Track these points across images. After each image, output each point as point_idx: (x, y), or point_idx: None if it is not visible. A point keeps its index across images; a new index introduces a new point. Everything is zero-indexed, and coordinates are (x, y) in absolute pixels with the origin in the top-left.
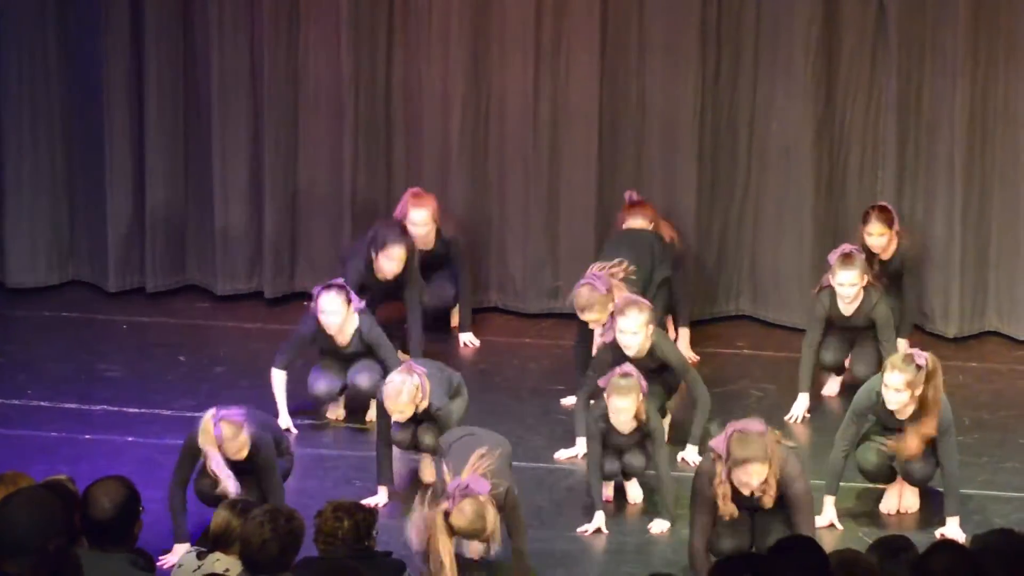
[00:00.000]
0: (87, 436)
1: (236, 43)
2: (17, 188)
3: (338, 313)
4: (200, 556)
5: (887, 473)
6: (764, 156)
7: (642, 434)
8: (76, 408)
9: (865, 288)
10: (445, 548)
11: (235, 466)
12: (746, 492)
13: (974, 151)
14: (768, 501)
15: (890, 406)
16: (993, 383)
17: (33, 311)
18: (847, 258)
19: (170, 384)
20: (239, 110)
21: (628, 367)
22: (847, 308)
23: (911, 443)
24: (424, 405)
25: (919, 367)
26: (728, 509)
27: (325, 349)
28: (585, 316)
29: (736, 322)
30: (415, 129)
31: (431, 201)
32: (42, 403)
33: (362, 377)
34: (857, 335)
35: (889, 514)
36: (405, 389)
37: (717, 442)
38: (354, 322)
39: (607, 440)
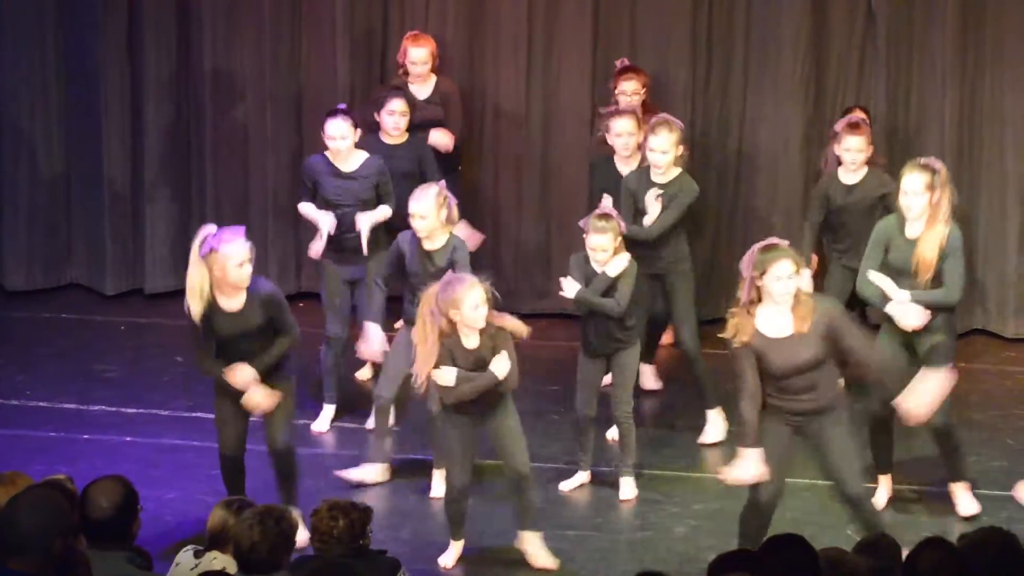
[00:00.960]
0: (85, 436)
1: (233, 46)
2: (15, 191)
3: (345, 138)
4: (197, 555)
5: (899, 374)
6: (754, 158)
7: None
8: (75, 408)
9: (869, 164)
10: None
11: (241, 327)
12: (784, 302)
13: (962, 153)
14: (804, 326)
15: (908, 213)
16: (981, 382)
17: (31, 313)
18: (855, 126)
19: (167, 385)
20: (237, 112)
21: (608, 208)
22: (850, 177)
23: (925, 249)
24: (450, 226)
25: (935, 171)
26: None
27: (324, 192)
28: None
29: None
30: None
31: (429, 41)
32: (41, 403)
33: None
34: (850, 233)
35: (879, 510)
36: (432, 190)
37: (743, 265)
38: (360, 154)
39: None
